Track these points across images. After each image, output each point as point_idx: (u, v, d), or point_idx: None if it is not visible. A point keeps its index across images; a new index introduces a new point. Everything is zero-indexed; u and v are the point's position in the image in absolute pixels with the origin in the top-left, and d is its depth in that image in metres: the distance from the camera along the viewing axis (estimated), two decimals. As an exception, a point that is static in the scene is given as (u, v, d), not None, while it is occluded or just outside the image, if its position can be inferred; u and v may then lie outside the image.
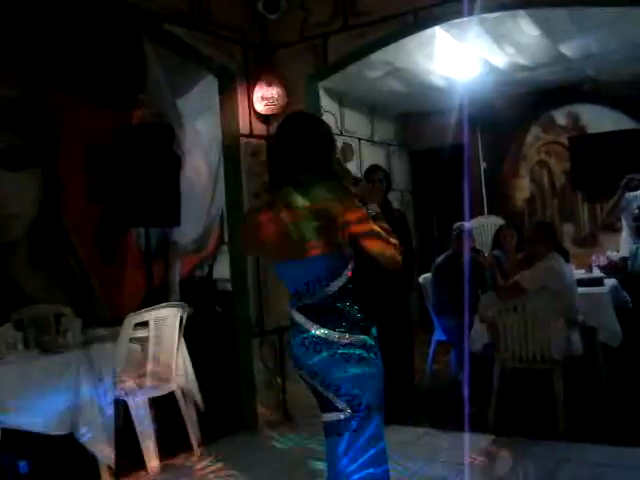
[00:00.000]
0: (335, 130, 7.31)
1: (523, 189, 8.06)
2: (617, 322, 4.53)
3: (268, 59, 4.71)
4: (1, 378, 3.24)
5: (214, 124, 5.01)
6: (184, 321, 4.05)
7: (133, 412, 3.74)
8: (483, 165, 8.17)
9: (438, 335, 5.38)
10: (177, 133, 5.21)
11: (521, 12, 4.92)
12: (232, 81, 4.61)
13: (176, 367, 4.03)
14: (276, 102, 4.62)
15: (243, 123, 4.63)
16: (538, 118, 7.86)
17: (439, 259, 5.47)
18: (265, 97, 4.63)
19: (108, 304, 5.44)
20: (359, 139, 7.79)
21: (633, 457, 3.56)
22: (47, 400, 3.37)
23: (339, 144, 7.35)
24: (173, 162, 5.01)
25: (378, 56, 5.17)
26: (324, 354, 2.16)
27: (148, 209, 4.80)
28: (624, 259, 5.55)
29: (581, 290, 4.51)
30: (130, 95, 5.54)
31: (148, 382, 3.81)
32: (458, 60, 6.08)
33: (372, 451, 2.18)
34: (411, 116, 8.53)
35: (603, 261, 5.51)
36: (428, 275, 5.54)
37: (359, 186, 2.44)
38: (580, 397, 4.40)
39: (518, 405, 4.47)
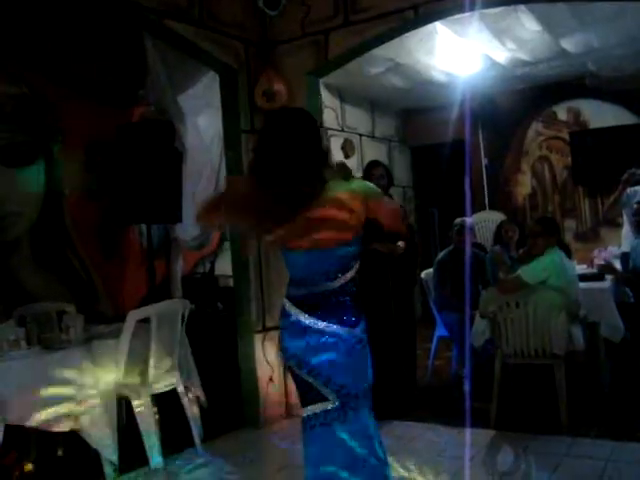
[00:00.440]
0: (336, 126, 7.32)
1: (524, 184, 8.06)
2: (619, 317, 4.53)
3: (269, 55, 4.71)
4: (3, 375, 3.24)
5: (215, 120, 5.02)
6: (186, 318, 4.06)
7: (136, 409, 3.74)
8: (484, 161, 8.17)
9: (440, 331, 5.39)
10: (178, 129, 5.22)
11: (522, 7, 4.92)
12: (233, 77, 4.60)
13: (178, 364, 4.04)
14: (277, 98, 4.62)
15: (244, 119, 4.63)
16: (539, 113, 7.86)
17: (441, 254, 5.47)
18: (266, 93, 4.62)
19: (110, 301, 5.45)
20: (360, 135, 7.79)
21: (635, 452, 3.57)
22: (49, 397, 3.38)
23: (340, 140, 7.35)
24: (174, 158, 5.01)
25: (379, 52, 5.17)
26: (332, 351, 2.21)
27: (150, 206, 4.80)
28: (625, 254, 5.55)
29: (582, 285, 4.51)
30: (131, 92, 5.55)
31: (150, 379, 3.81)
32: (459, 55, 6.07)
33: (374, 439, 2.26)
34: (412, 112, 8.53)
35: (599, 261, 5.51)
36: (430, 271, 5.54)
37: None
38: (582, 392, 4.40)
39: (520, 400, 4.47)
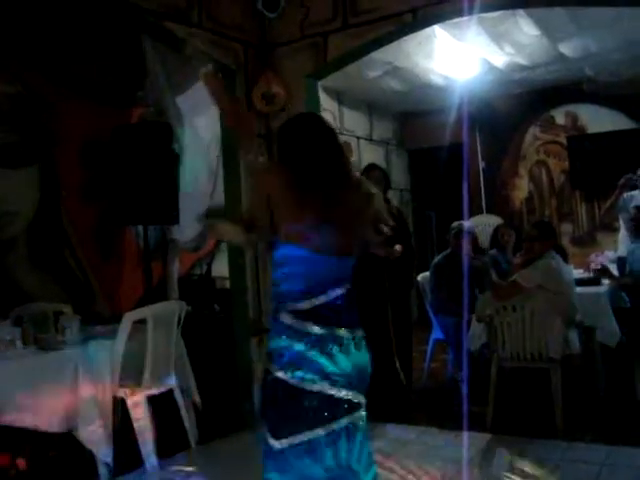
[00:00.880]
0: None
1: (522, 188, 8.07)
2: (615, 322, 4.53)
3: (268, 57, 4.71)
4: (-1, 375, 3.24)
5: (213, 122, 5.02)
6: (182, 319, 4.05)
7: (131, 410, 3.74)
8: (482, 164, 8.19)
9: (436, 334, 5.39)
10: (176, 131, 5.21)
11: (520, 11, 4.94)
12: (232, 79, 4.60)
13: (174, 365, 4.03)
14: (276, 100, 4.62)
15: (242, 121, 4.63)
16: (537, 118, 7.88)
17: (437, 258, 5.48)
18: (265, 95, 4.63)
19: (107, 301, 5.44)
20: (358, 138, 7.80)
21: (630, 456, 3.57)
22: (45, 398, 3.37)
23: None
24: (172, 160, 5.01)
25: (377, 55, 5.18)
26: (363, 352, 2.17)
27: (147, 207, 4.80)
28: (621, 259, 5.56)
29: (579, 290, 4.52)
30: (129, 93, 5.55)
31: (146, 380, 3.80)
32: (457, 59, 6.09)
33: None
34: (410, 115, 8.55)
35: (596, 266, 5.51)
36: (426, 274, 5.54)
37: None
38: (577, 396, 4.40)
39: (516, 404, 4.47)
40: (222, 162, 4.85)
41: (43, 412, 3.37)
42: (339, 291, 2.12)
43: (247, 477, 3.72)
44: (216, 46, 4.45)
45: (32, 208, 5.00)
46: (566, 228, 7.69)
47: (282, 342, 2.08)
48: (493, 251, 5.43)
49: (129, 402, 3.74)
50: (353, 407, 2.09)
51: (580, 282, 4.79)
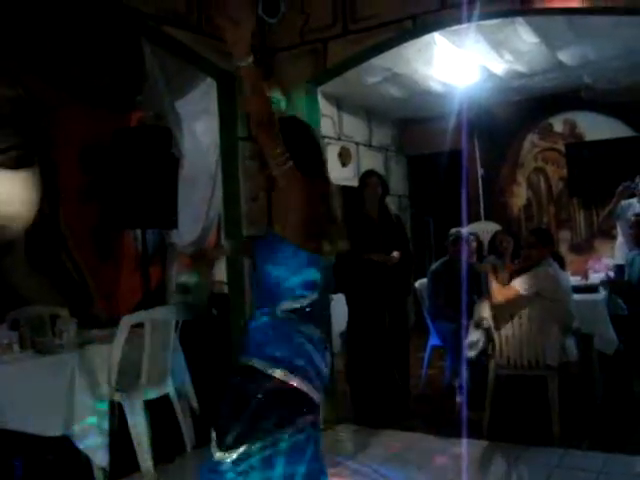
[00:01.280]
0: (333, 134, 7.34)
1: (520, 195, 8.09)
2: (612, 329, 4.54)
3: (267, 63, 4.72)
4: (-4, 379, 3.24)
5: (212, 127, 5.02)
6: (180, 323, 4.05)
7: (128, 414, 3.73)
8: (480, 171, 8.20)
9: (433, 340, 5.39)
10: (175, 135, 5.21)
11: (519, 19, 4.96)
12: (231, 84, 4.61)
13: (171, 370, 4.03)
14: (275, 106, 4.63)
15: (241, 126, 4.64)
16: (535, 125, 7.91)
17: (435, 264, 5.48)
18: (264, 100, 4.63)
19: (104, 305, 5.43)
20: (357, 143, 7.82)
21: (627, 464, 3.56)
22: (42, 401, 3.36)
23: (337, 148, 7.37)
24: (171, 164, 5.01)
25: (377, 61, 5.20)
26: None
27: (145, 211, 4.79)
28: (619, 266, 5.57)
29: (576, 297, 4.52)
30: (128, 97, 5.55)
31: (143, 384, 3.80)
32: (456, 66, 6.11)
33: None
34: (409, 121, 8.57)
35: (603, 276, 5.51)
36: (424, 280, 5.54)
37: None
38: (575, 404, 4.40)
39: (513, 411, 4.47)
40: (221, 167, 4.86)
41: (40, 416, 3.36)
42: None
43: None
44: (215, 51, 4.45)
45: (31, 212, 5.00)
46: (564, 235, 7.71)
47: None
48: (491, 258, 5.43)
49: (126, 406, 3.73)
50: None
51: (578, 289, 4.80)
